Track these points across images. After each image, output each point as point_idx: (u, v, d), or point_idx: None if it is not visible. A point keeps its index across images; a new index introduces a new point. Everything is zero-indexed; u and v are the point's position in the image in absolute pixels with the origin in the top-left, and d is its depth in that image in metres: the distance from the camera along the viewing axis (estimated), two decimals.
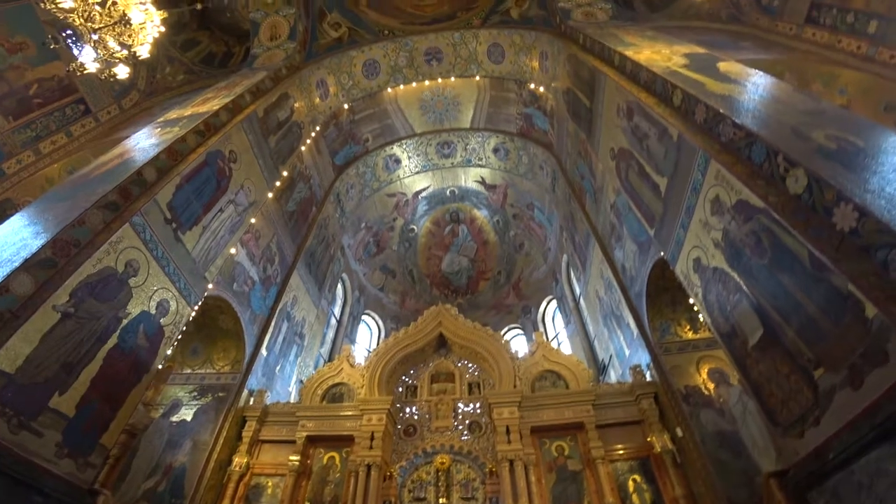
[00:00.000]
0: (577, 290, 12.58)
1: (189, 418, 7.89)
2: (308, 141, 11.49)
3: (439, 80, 13.15)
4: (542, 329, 14.22)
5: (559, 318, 14.02)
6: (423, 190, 15.51)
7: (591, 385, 7.82)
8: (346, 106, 12.76)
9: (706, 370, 7.27)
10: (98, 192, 6.38)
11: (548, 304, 14.62)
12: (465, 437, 7.66)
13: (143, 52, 7.87)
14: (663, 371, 7.33)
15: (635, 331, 8.21)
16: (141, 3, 7.59)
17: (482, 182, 15.13)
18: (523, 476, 6.69)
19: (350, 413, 7.85)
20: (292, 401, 9.55)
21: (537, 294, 14.88)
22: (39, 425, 4.91)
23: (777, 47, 9.13)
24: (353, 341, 13.45)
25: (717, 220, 5.45)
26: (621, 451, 7.02)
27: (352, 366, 8.69)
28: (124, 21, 7.51)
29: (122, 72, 7.94)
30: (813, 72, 8.24)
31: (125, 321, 6.22)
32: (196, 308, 7.44)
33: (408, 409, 8.21)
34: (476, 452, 7.44)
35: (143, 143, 7.97)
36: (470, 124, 13.95)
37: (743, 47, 9.29)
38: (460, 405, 8.11)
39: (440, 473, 7.32)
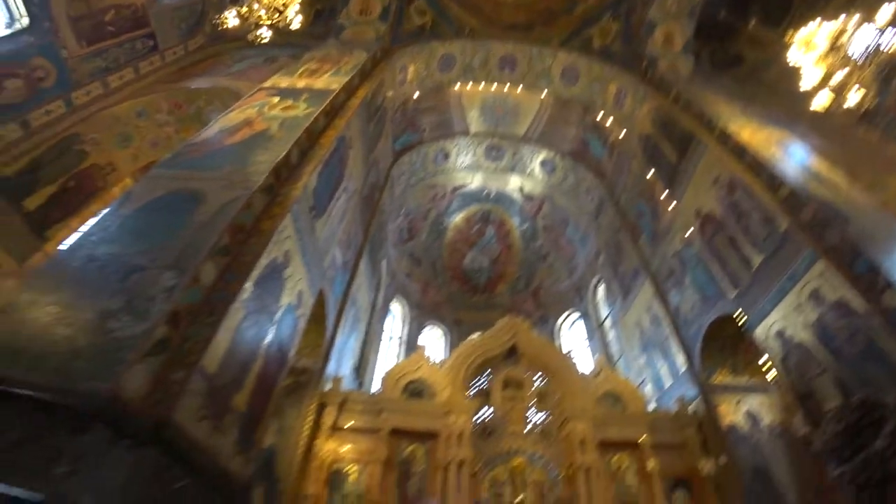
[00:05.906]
0: (605, 311, 14.25)
1: None
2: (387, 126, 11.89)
3: (507, 87, 13.87)
4: (557, 340, 15.80)
5: (575, 331, 15.69)
6: (463, 187, 16.31)
7: (646, 410, 9.42)
8: (416, 94, 13.17)
9: (742, 411, 9.07)
10: (253, 170, 6.50)
11: (567, 316, 16.20)
12: (538, 443, 8.95)
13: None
14: (710, 406, 9.03)
15: (682, 367, 9.88)
16: None
17: (521, 190, 16.23)
18: (595, 484, 8.14)
19: (436, 411, 8.83)
20: (350, 386, 10.28)
21: (557, 305, 16.41)
22: (224, 424, 4.86)
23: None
24: (381, 327, 14.18)
25: (812, 307, 6.99)
26: (668, 471, 8.67)
27: (429, 364, 9.61)
28: None
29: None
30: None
31: (277, 314, 6.34)
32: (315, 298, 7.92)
33: (483, 412, 9.34)
34: (548, 458, 8.77)
35: (266, 112, 8.09)
36: (524, 133, 14.87)
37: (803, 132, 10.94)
38: (532, 413, 9.37)
39: (515, 475, 8.58)
